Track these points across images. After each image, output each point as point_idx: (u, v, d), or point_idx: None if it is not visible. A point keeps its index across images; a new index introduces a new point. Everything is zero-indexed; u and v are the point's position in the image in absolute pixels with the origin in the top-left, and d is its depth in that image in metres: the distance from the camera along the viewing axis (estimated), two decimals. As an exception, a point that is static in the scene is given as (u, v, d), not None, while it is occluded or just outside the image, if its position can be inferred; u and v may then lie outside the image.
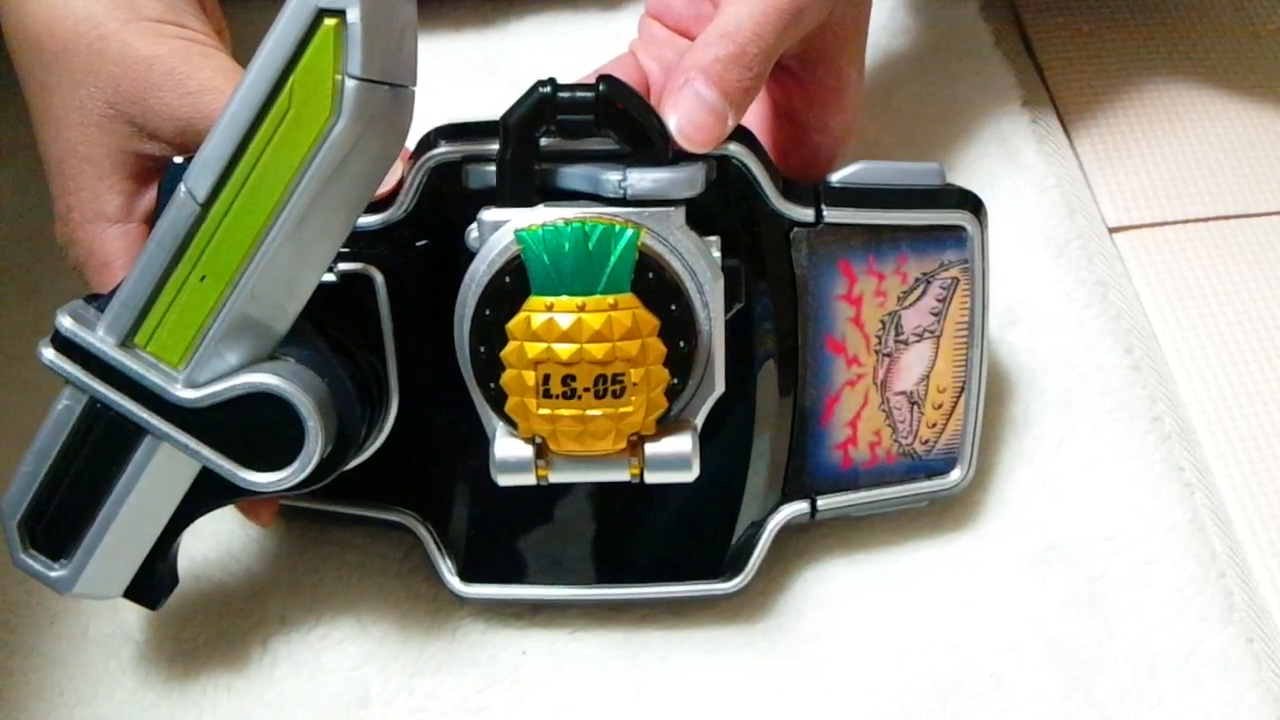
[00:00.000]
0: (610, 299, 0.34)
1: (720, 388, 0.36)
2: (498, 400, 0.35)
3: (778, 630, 0.42)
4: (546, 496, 0.39)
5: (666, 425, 0.35)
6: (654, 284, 0.34)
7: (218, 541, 0.42)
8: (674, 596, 0.40)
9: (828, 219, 0.38)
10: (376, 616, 0.41)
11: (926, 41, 0.55)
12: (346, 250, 0.37)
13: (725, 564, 0.40)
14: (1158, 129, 0.55)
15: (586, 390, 0.34)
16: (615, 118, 0.34)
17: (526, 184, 0.35)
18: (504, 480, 0.36)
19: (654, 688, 0.40)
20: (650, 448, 0.35)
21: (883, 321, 0.39)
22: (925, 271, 0.39)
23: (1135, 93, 0.56)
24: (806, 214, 0.38)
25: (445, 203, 0.36)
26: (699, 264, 0.35)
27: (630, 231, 0.33)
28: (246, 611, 0.41)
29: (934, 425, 0.41)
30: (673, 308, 0.34)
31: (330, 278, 0.37)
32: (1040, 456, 0.45)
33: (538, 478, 0.35)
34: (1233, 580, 0.43)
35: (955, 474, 0.41)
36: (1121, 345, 0.48)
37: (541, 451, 0.35)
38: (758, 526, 0.40)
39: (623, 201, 0.34)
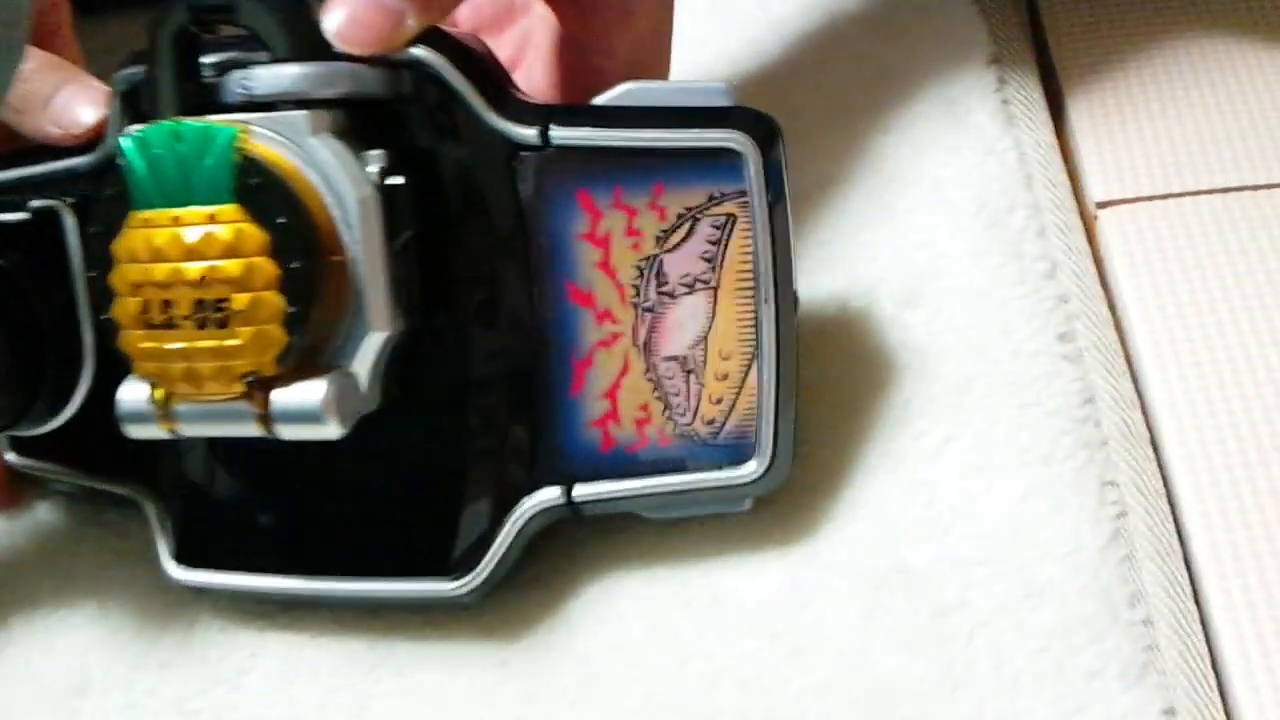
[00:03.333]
0: (208, 210, 0.28)
1: (383, 328, 0.29)
2: (113, 334, 0.29)
3: (543, 649, 0.33)
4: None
5: (304, 368, 0.29)
6: (260, 193, 0.28)
7: (-4, 516, 0.39)
8: (401, 597, 0.33)
9: (556, 140, 0.30)
10: (119, 603, 0.36)
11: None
12: (61, 194, 0.33)
13: (453, 561, 0.32)
14: (1175, 94, 0.43)
15: (186, 319, 0.28)
16: (255, 15, 0.29)
17: (177, 95, 0.30)
18: (133, 431, 0.30)
19: (380, 708, 0.33)
20: (277, 395, 0.28)
21: (639, 267, 0.31)
22: (689, 206, 0.31)
23: (1154, 55, 0.44)
24: (528, 134, 0.30)
25: None
26: (339, 177, 0.28)
27: (229, 131, 0.28)
28: (2, 586, 0.37)
29: (718, 401, 0.32)
30: (281, 220, 0.28)
31: (22, 216, 0.33)
32: (913, 459, 0.34)
33: (164, 430, 0.30)
34: (1163, 630, 0.31)
35: (751, 465, 0.32)
36: (1054, 331, 0.36)
37: (166, 398, 0.29)
38: (497, 517, 0.32)
39: (250, 106, 0.29)
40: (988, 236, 0.39)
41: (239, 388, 0.28)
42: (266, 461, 0.32)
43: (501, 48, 0.38)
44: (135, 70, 0.31)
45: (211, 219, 0.27)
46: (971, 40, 0.44)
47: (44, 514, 0.39)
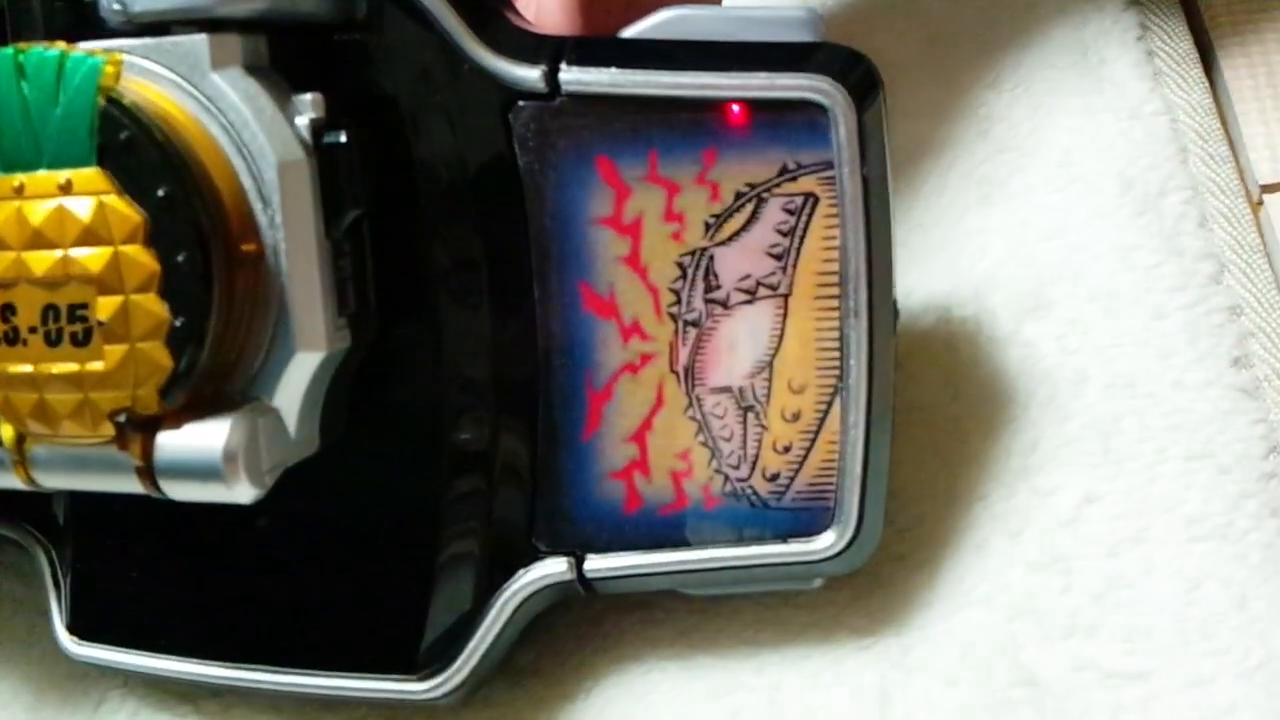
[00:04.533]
0: (61, 176, 0.19)
1: (318, 346, 0.20)
2: None
3: (543, 766, 0.25)
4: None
5: (202, 402, 0.20)
6: (133, 152, 0.19)
7: None
8: (343, 695, 0.24)
9: (567, 85, 0.22)
10: (11, 669, 0.28)
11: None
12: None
13: (423, 654, 0.24)
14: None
15: (33, 331, 0.19)
16: None
17: (48, 16, 0.21)
18: None
19: (331, 833, 0.25)
20: (164, 440, 0.20)
21: (681, 265, 0.22)
22: (752, 182, 0.22)
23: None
24: (530, 76, 0.22)
25: None
26: (254, 132, 0.20)
27: (88, 63, 0.19)
28: None
29: (786, 449, 0.23)
30: (163, 192, 0.19)
31: None
32: (1042, 524, 0.25)
33: (19, 479, 0.21)
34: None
35: (828, 537, 0.23)
36: (1228, 354, 0.27)
37: (20, 439, 0.21)
38: (481, 596, 0.24)
39: (133, 30, 0.20)
40: (1136, 226, 0.29)
41: (107, 429, 0.20)
42: (181, 515, 0.23)
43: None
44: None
45: (65, 189, 0.19)
46: (1105, -25, 0.35)
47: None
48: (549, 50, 0.22)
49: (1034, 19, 0.34)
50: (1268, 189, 0.32)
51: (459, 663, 0.23)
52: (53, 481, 0.21)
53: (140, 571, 0.25)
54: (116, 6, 0.20)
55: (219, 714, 0.27)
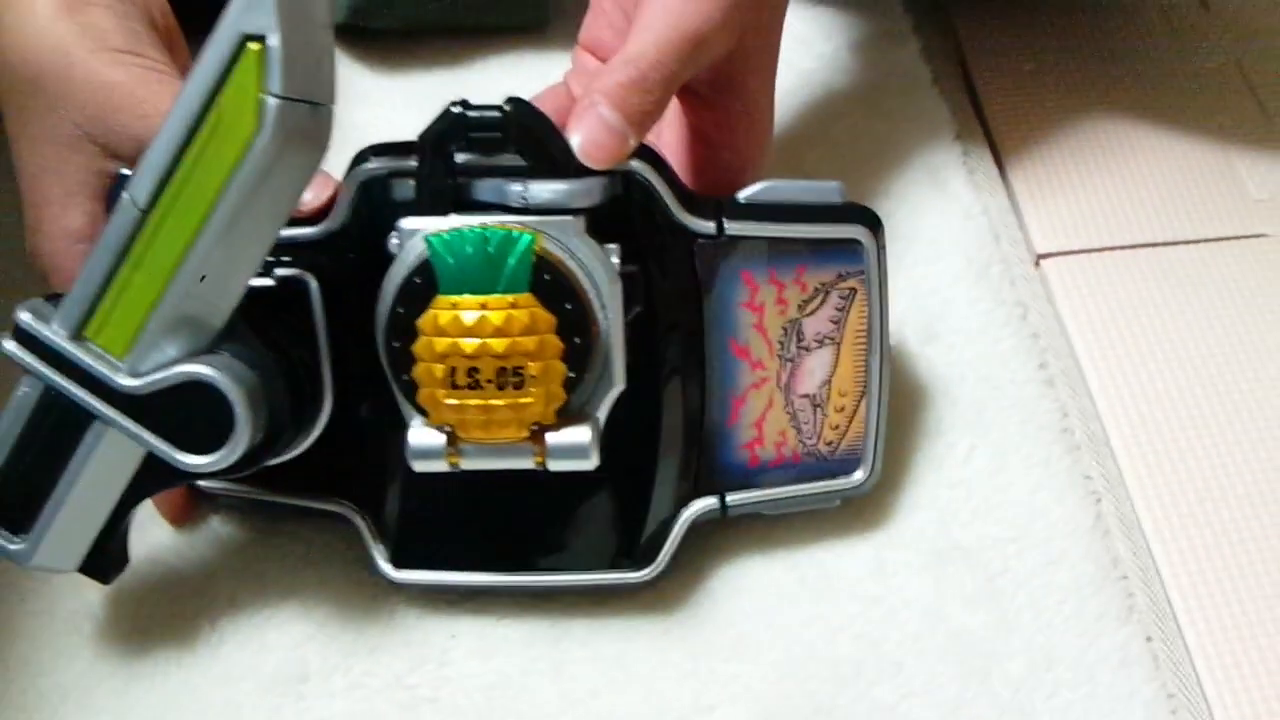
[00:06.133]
0: (510, 298, 0.36)
1: (620, 383, 0.38)
2: (410, 391, 0.37)
3: (693, 620, 0.43)
4: (469, 488, 0.41)
5: (568, 417, 0.38)
6: (550, 285, 0.36)
7: (176, 530, 0.45)
8: (590, 584, 0.42)
9: (728, 231, 0.40)
10: (319, 600, 0.44)
11: (867, 80, 0.58)
12: (288, 259, 0.40)
13: (638, 555, 0.42)
14: (1091, 162, 0.56)
15: (489, 382, 0.36)
16: (522, 136, 0.37)
17: (442, 195, 0.37)
18: (419, 466, 0.38)
19: (574, 671, 0.42)
20: (551, 437, 0.37)
21: (784, 328, 0.41)
22: (824, 282, 0.41)
23: (1072, 128, 0.57)
24: (708, 226, 0.40)
25: (374, 214, 0.39)
26: (596, 268, 0.37)
27: (528, 236, 0.36)
28: (199, 593, 0.43)
29: (836, 427, 0.43)
30: (568, 306, 0.36)
31: (269, 283, 0.39)
32: (950, 463, 0.46)
33: (450, 464, 0.38)
34: (1135, 583, 0.45)
35: (859, 474, 0.43)
36: (1035, 361, 0.49)
37: (452, 440, 0.37)
38: (669, 520, 0.42)
39: (525, 210, 0.37)
40: (977, 286, 0.51)
41: (525, 434, 0.37)
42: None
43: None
44: (374, 165, 0.39)
45: (513, 305, 0.36)
46: (939, 119, 0.56)
47: (219, 527, 0.45)
48: (713, 209, 0.40)
49: (905, 152, 0.55)
50: (1042, 256, 0.54)
51: (659, 558, 0.42)
52: (469, 464, 0.38)
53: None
54: (521, 198, 0.37)
55: (479, 610, 0.43)
